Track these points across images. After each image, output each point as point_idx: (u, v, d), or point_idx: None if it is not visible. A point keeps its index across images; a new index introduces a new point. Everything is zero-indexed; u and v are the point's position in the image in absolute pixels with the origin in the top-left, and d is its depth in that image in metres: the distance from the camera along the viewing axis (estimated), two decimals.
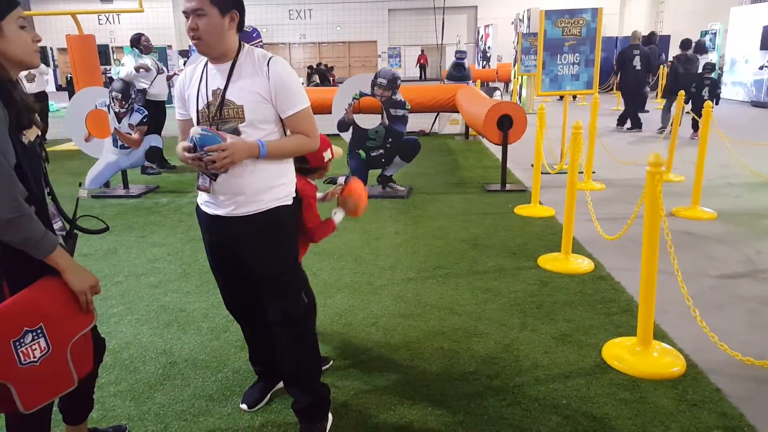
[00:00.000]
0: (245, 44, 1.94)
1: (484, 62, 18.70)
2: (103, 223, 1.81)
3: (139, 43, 6.97)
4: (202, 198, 1.99)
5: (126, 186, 6.14)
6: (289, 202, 2.00)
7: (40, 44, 1.60)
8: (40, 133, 1.58)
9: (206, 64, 1.91)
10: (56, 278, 1.52)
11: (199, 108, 1.90)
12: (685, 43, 9.75)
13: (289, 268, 2.02)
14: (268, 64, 1.86)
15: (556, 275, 3.59)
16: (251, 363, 2.37)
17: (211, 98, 1.87)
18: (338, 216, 2.33)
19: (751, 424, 2.10)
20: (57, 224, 1.62)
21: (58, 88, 24.72)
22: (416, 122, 10.24)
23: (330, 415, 2.15)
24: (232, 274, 2.09)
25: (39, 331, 1.46)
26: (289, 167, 2.02)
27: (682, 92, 6.29)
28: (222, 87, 1.86)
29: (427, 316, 3.06)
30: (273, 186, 1.93)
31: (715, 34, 17.53)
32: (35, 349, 1.45)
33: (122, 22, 28.07)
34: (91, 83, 7.17)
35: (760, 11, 13.78)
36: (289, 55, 31.51)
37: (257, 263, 1.96)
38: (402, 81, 5.70)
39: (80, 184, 1.86)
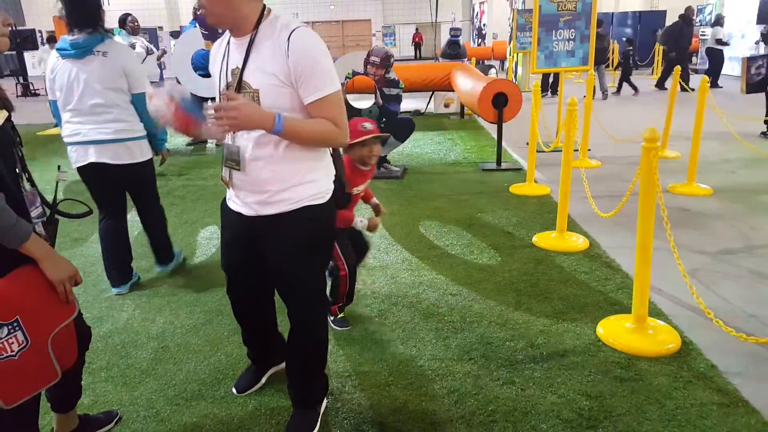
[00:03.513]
0: (271, 11, 1.66)
1: (480, 40, 18.51)
2: (87, 207, 1.76)
3: (125, 23, 6.85)
4: (229, 193, 1.84)
5: None
6: (322, 200, 1.75)
7: (28, 27, 1.53)
8: (9, 115, 1.51)
9: (230, 37, 1.69)
10: (33, 268, 1.46)
11: (221, 90, 1.70)
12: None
13: (316, 278, 1.85)
14: (288, 39, 1.55)
15: (551, 253, 3.58)
16: (246, 346, 2.32)
17: (230, 78, 1.66)
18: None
19: (745, 399, 2.10)
20: (37, 210, 1.56)
21: None
22: (411, 102, 10.13)
23: (324, 399, 2.13)
24: (251, 278, 1.93)
25: (15, 324, 1.41)
26: (321, 162, 1.75)
27: (678, 67, 6.24)
28: (240, 66, 1.62)
29: (421, 297, 3.05)
30: (300, 183, 1.70)
31: (703, 9, 17.41)
32: (12, 343, 1.40)
33: (112, 3, 27.49)
34: None
35: None
36: None
37: (282, 270, 1.80)
38: (396, 60, 5.61)
39: (59, 167, 1.80)
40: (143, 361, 2.51)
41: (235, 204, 1.81)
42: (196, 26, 7.66)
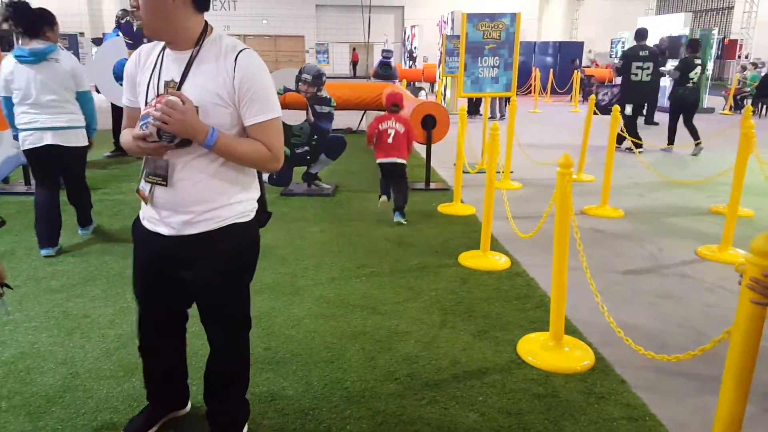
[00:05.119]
0: (213, 28, 1.66)
1: (411, 62, 18.94)
2: None
3: None
4: (144, 212, 1.75)
5: (27, 182, 5.66)
6: (247, 219, 1.73)
7: None
8: None
9: (164, 48, 1.65)
10: None
11: (149, 100, 1.63)
12: None
13: (241, 297, 1.82)
14: (235, 60, 1.57)
15: (475, 272, 3.67)
16: (146, 384, 2.06)
17: (162, 90, 1.61)
18: None
19: (652, 413, 2.23)
20: None
21: None
22: (344, 120, 10.16)
23: (245, 425, 2.04)
24: (166, 303, 1.85)
25: None
26: (250, 182, 1.74)
27: (592, 96, 6.66)
28: (177, 80, 1.60)
29: (349, 316, 3.03)
30: (226, 204, 1.67)
31: (616, 42, 19.04)
32: None
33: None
34: None
35: (663, 21, 14.89)
36: None
37: (206, 289, 1.74)
38: (330, 77, 5.62)
39: None
40: (50, 389, 2.32)
41: (152, 224, 1.72)
42: (119, 34, 7.34)
